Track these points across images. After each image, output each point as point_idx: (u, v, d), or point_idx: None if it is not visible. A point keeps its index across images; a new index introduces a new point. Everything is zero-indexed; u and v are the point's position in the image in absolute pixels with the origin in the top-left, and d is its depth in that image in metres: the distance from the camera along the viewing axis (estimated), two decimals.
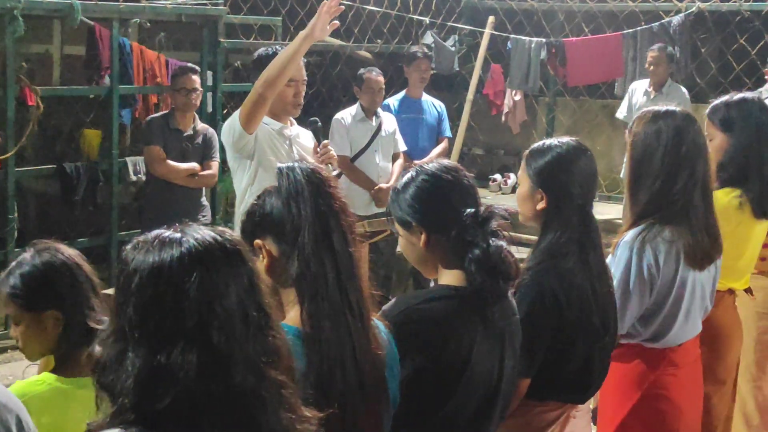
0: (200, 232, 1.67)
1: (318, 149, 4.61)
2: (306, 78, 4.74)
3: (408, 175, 2.60)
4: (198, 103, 6.52)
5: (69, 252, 2.55)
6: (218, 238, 1.68)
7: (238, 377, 1.61)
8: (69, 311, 2.50)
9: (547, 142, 3.04)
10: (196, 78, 6.46)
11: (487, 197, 9.46)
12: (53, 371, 2.51)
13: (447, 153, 7.87)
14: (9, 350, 6.51)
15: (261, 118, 4.43)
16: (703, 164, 3.31)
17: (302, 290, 2.14)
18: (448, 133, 7.90)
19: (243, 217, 2.30)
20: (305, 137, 4.81)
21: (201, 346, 1.59)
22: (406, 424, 2.35)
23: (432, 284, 2.70)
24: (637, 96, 8.19)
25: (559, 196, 2.94)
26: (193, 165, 6.41)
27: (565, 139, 3.04)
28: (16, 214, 6.61)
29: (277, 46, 4.76)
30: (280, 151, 4.55)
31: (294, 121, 4.81)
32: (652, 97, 7.93)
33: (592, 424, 3.29)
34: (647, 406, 3.32)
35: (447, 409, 2.44)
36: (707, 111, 3.92)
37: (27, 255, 2.58)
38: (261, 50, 4.74)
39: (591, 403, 3.22)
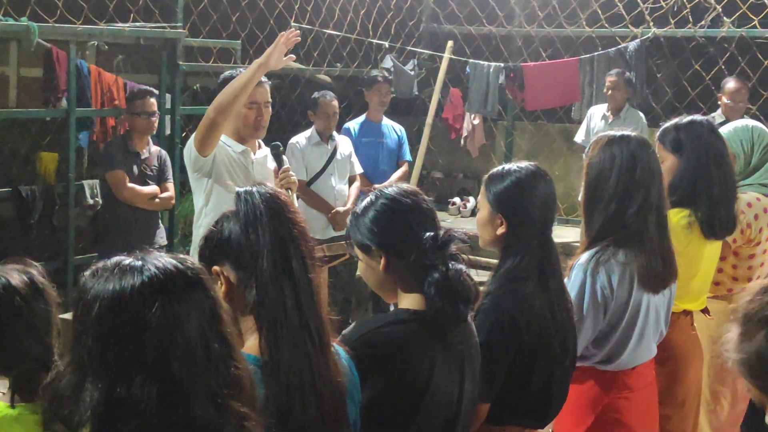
0: (161, 260, 1.65)
1: (278, 174, 4.59)
2: (270, 100, 4.73)
3: (368, 199, 2.60)
4: (156, 126, 6.49)
5: (16, 278, 2.37)
6: (180, 266, 1.65)
7: (199, 410, 1.58)
8: (2, 354, 2.34)
9: (507, 166, 3.05)
10: (154, 101, 6.44)
11: (447, 220, 9.46)
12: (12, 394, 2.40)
13: (407, 176, 7.89)
14: None
15: (215, 141, 4.41)
16: (657, 189, 3.35)
17: (261, 318, 2.12)
18: (408, 156, 7.93)
19: (201, 242, 2.28)
20: (267, 161, 4.80)
21: (161, 377, 1.56)
22: None
23: (392, 308, 2.70)
24: (595, 120, 8.26)
25: (519, 221, 2.96)
26: (154, 188, 6.39)
27: (524, 163, 3.05)
28: None
29: (241, 69, 4.73)
30: (238, 174, 4.53)
31: (262, 144, 4.79)
32: (609, 121, 8.01)
33: None
34: (601, 429, 3.34)
35: None
36: (658, 134, 3.97)
37: None
38: (227, 73, 4.72)
39: (549, 427, 3.22)
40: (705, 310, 4.06)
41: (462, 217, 10.02)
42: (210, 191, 4.52)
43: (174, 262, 1.65)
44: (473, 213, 10.63)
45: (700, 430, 4.30)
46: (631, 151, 3.32)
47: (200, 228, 4.54)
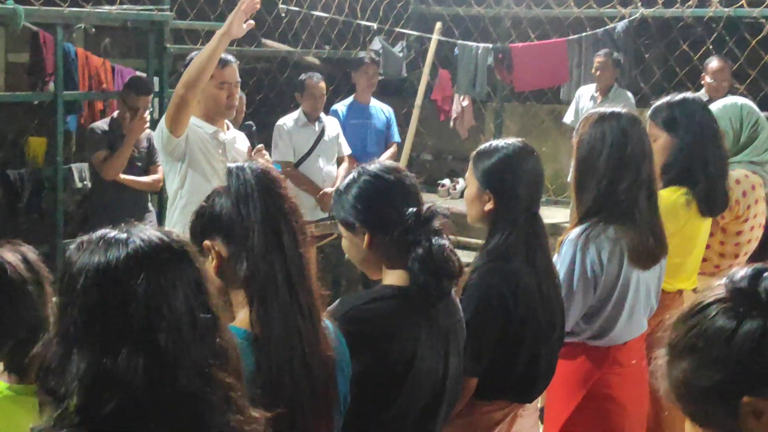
0: (146, 233, 1.65)
1: (253, 153, 4.57)
2: (239, 80, 4.70)
3: (350, 176, 2.61)
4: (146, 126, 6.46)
5: (9, 255, 2.41)
6: (165, 238, 1.66)
7: (185, 380, 1.59)
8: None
9: (494, 143, 3.06)
10: (149, 99, 6.44)
11: (437, 202, 9.45)
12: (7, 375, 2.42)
13: (396, 158, 7.89)
14: None
15: (186, 120, 4.36)
16: (648, 165, 3.35)
17: (251, 292, 2.13)
18: (396, 138, 7.93)
19: (192, 217, 2.28)
20: (241, 141, 4.78)
21: (147, 348, 1.57)
22: (353, 425, 2.35)
23: None
24: (584, 101, 8.26)
25: (506, 197, 2.97)
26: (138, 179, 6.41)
27: (512, 140, 3.06)
28: None
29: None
30: (212, 155, 4.50)
31: (230, 125, 4.76)
32: (598, 101, 8.01)
33: (539, 422, 3.31)
34: (592, 405, 3.36)
35: (393, 409, 2.45)
36: (649, 112, 3.97)
37: None
38: (193, 54, 4.69)
39: (539, 402, 3.24)
40: (695, 290, 4.08)
41: (452, 198, 10.03)
42: (185, 174, 4.47)
43: (159, 234, 1.66)
44: (462, 194, 10.63)
45: None
46: (622, 128, 3.32)
47: (175, 211, 4.51)
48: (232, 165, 2.22)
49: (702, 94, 7.49)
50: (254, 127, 4.74)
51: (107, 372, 1.55)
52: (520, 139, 3.10)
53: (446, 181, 10.31)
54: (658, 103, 3.99)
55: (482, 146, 3.09)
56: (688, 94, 3.99)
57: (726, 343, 1.45)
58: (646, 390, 3.53)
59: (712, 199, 3.81)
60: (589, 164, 3.35)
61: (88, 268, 1.60)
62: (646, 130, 3.58)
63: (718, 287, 1.53)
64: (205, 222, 2.23)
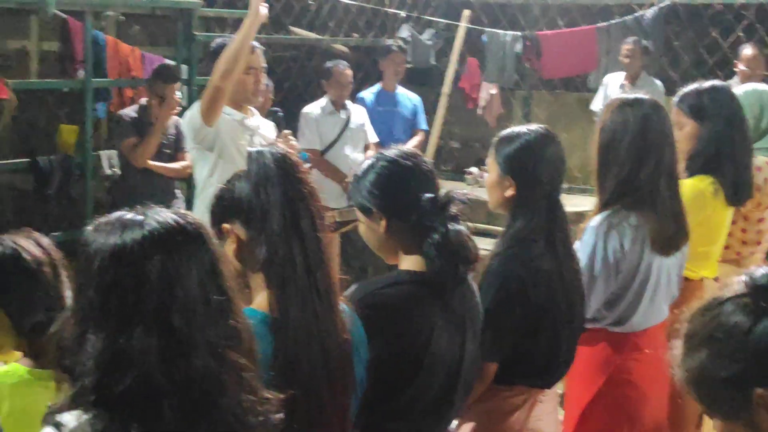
0: (162, 215, 1.67)
1: (279, 140, 4.60)
2: (266, 65, 4.73)
3: (368, 162, 2.62)
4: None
5: (23, 241, 2.47)
6: (180, 220, 1.68)
7: (198, 360, 1.61)
8: (12, 307, 2.44)
9: (516, 129, 3.06)
10: (176, 86, 6.48)
11: (464, 190, 9.42)
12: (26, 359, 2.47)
13: (423, 146, 7.89)
14: None
15: (221, 109, 4.40)
16: (670, 152, 3.34)
17: (270, 275, 2.15)
18: (423, 125, 7.92)
19: (212, 201, 2.30)
20: (266, 128, 4.80)
21: (161, 329, 1.59)
22: (369, 408, 2.36)
23: None
24: (612, 88, 8.20)
25: (527, 183, 2.97)
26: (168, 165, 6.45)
27: (534, 126, 3.06)
28: None
29: (233, 36, 4.75)
30: (240, 141, 4.53)
31: (255, 111, 4.80)
32: (626, 89, 7.94)
33: (559, 408, 3.31)
34: (612, 390, 3.35)
35: (408, 393, 2.46)
36: (676, 99, 3.93)
37: None
38: (217, 41, 4.73)
39: (559, 388, 3.24)
40: (716, 278, 4.06)
41: (480, 186, 9.98)
42: (215, 162, 4.50)
43: (175, 216, 1.68)
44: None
45: None
46: (644, 114, 3.30)
47: (206, 199, 4.55)
48: (252, 149, 2.24)
49: (735, 82, 7.42)
50: (281, 113, 4.75)
51: (121, 351, 1.57)
52: (542, 125, 3.09)
53: (473, 169, 10.24)
54: (686, 90, 3.95)
55: (504, 132, 3.09)
56: (717, 82, 3.95)
57: (744, 337, 1.50)
58: (667, 376, 3.49)
59: (738, 188, 3.78)
60: (610, 151, 3.33)
61: (104, 249, 1.62)
62: (672, 117, 3.55)
63: (737, 283, 1.56)
64: (224, 205, 2.25)
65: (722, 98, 3.84)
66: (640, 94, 3.42)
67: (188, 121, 4.52)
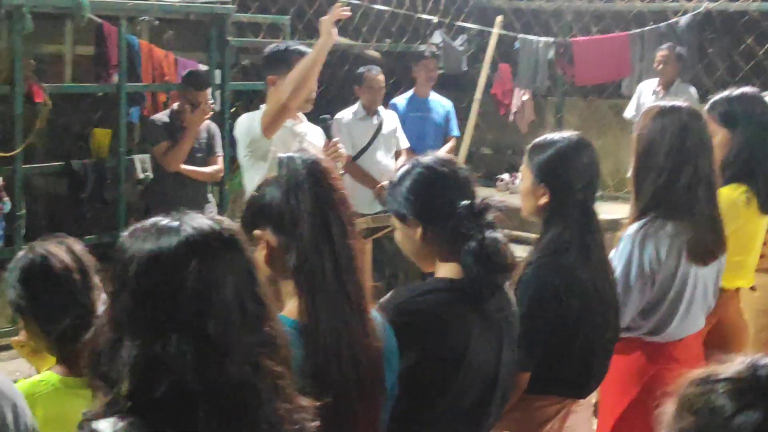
0: (198, 221, 1.67)
1: (328, 147, 4.60)
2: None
3: (404, 168, 2.61)
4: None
5: (53, 247, 2.48)
6: (216, 226, 1.67)
7: (234, 368, 1.60)
8: (40, 313, 2.45)
9: (550, 136, 3.04)
10: (207, 93, 6.51)
11: (495, 196, 9.39)
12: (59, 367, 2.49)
13: (455, 152, 7.87)
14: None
15: (282, 125, 4.44)
16: (708, 160, 3.30)
17: (300, 282, 2.14)
18: (455, 132, 7.90)
19: (243, 207, 2.30)
20: (315, 134, 4.81)
21: (197, 336, 1.58)
22: (404, 417, 2.35)
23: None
24: (645, 96, 8.16)
25: (561, 191, 2.94)
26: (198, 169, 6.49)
27: (568, 133, 3.04)
28: (23, 212, 6.62)
29: (289, 42, 4.77)
30: (290, 148, 4.53)
31: (303, 118, 4.81)
32: (660, 96, 7.89)
33: (593, 418, 3.28)
34: (647, 401, 3.31)
35: (445, 402, 2.44)
36: (707, 106, 3.90)
37: (19, 255, 2.55)
38: (272, 47, 4.73)
39: (593, 398, 3.22)
40: (753, 287, 4.02)
41: (510, 193, 9.95)
42: (267, 171, 4.49)
43: (210, 222, 1.67)
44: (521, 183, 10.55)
45: None
46: (682, 122, 3.27)
47: None
48: (283, 155, 2.23)
49: None
50: (330, 120, 4.76)
51: (157, 358, 1.56)
52: (576, 132, 3.07)
53: (505, 176, 10.23)
54: (716, 98, 3.93)
55: (538, 139, 3.07)
56: (747, 89, 3.92)
57: (724, 422, 1.47)
58: None
59: None
60: (648, 158, 3.30)
61: (140, 255, 1.61)
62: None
63: (741, 363, 1.54)
64: (255, 212, 2.24)
65: (753, 105, 3.82)
66: (678, 102, 3.39)
67: (246, 130, 4.50)
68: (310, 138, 4.73)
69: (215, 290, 1.61)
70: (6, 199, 6.48)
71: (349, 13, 4.52)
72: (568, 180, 2.94)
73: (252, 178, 4.58)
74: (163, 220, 1.67)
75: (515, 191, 9.98)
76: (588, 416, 3.16)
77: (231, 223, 1.72)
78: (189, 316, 1.59)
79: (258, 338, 1.65)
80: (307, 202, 2.14)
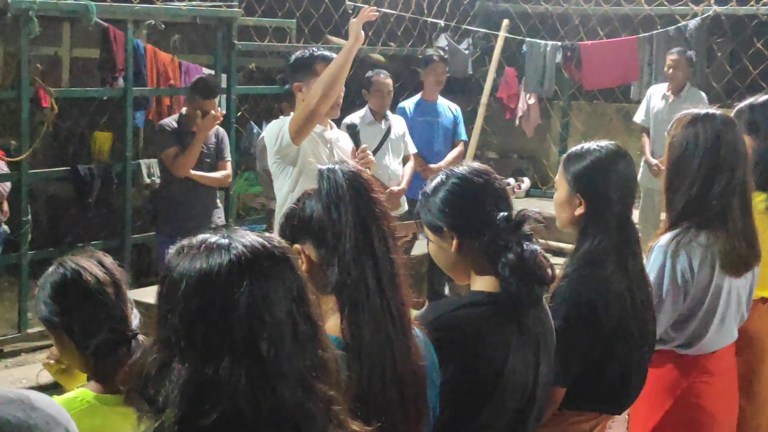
0: (248, 238, 1.60)
1: (357, 153, 4.55)
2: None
3: (438, 179, 2.53)
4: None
5: (84, 262, 2.42)
6: (267, 244, 1.60)
7: (287, 392, 1.53)
8: (75, 329, 2.39)
9: (586, 145, 2.97)
10: (215, 101, 6.46)
11: (532, 207, 9.34)
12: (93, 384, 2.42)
13: (462, 156, 7.82)
14: (23, 353, 6.48)
15: (312, 129, 4.40)
16: (742, 170, 3.25)
17: (342, 298, 2.07)
18: (463, 136, 7.85)
19: (282, 220, 2.23)
20: (344, 141, 4.76)
21: (249, 358, 1.51)
22: None
23: (446, 289, 2.63)
24: (655, 100, 8.10)
25: (598, 202, 2.88)
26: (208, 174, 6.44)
27: (604, 143, 2.97)
28: (29, 216, 6.55)
29: (313, 49, 4.72)
30: (321, 156, 4.49)
31: (333, 124, 4.76)
32: (670, 101, 7.85)
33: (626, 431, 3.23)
34: (680, 414, 3.27)
35: (482, 417, 2.38)
36: (732, 114, 3.85)
37: (49, 270, 2.49)
38: (296, 54, 4.71)
39: (627, 413, 3.15)
40: None
41: (516, 198, 9.92)
42: (297, 176, 4.45)
43: (261, 240, 1.60)
44: (527, 194, 10.53)
45: None
46: (716, 130, 3.22)
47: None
48: (323, 167, 2.16)
49: None
50: (358, 128, 4.72)
51: (209, 382, 1.50)
52: (612, 141, 3.01)
53: (511, 180, 10.20)
54: (741, 105, 3.89)
55: (574, 149, 3.01)
56: None
57: None
58: (736, 400, 3.43)
59: None
60: (681, 167, 3.25)
61: (190, 274, 1.54)
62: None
63: None
64: (295, 225, 2.18)
65: None
66: (712, 110, 3.33)
67: (274, 136, 4.46)
68: (341, 144, 4.68)
69: (267, 310, 1.54)
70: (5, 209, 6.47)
71: (377, 14, 4.47)
72: (605, 190, 2.87)
73: (281, 185, 4.55)
74: (212, 238, 1.60)
75: (520, 196, 9.96)
76: (622, 430, 3.10)
77: (281, 241, 1.65)
78: (241, 338, 1.52)
79: (310, 361, 1.58)
80: (348, 215, 2.08)
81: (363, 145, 4.56)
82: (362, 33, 4.39)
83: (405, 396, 2.08)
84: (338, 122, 7.10)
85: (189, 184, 6.34)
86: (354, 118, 7.04)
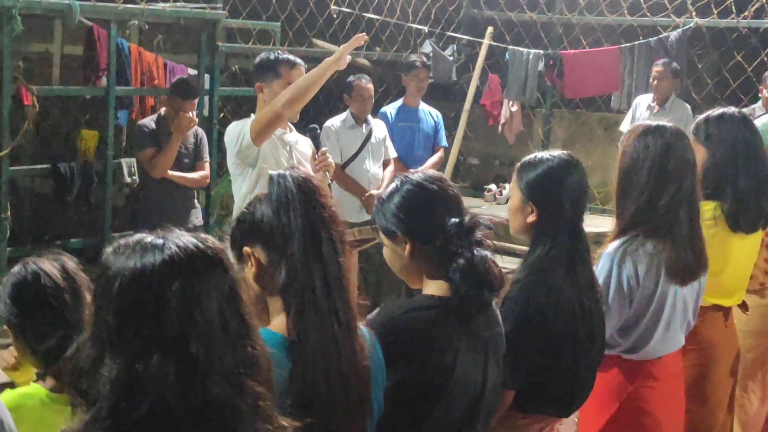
0: (182, 239, 1.65)
1: (316, 156, 4.61)
2: None
3: (393, 185, 2.60)
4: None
5: (46, 264, 2.48)
6: (200, 245, 1.65)
7: (216, 388, 1.59)
8: (27, 331, 2.45)
9: (539, 155, 3.04)
10: (195, 102, 6.50)
11: (482, 207, 9.43)
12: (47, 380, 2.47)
13: (443, 162, 7.88)
14: None
15: (273, 133, 4.44)
16: (691, 180, 3.33)
17: (289, 299, 2.12)
18: (444, 142, 7.91)
19: (233, 224, 2.29)
20: (303, 144, 4.81)
21: (179, 355, 1.57)
22: None
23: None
24: (641, 110, 8.16)
25: (550, 210, 2.94)
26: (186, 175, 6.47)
27: (557, 152, 3.04)
28: (8, 213, 6.59)
29: (279, 51, 4.77)
30: (280, 158, 4.54)
31: (293, 127, 4.81)
32: (655, 111, 7.91)
33: None
34: (625, 418, 3.34)
35: (430, 419, 2.44)
36: (692, 127, 3.93)
37: (14, 269, 2.53)
38: (262, 54, 4.75)
39: (575, 415, 3.22)
40: (743, 306, 4.03)
41: (497, 204, 9.97)
42: (256, 178, 4.51)
43: (195, 241, 1.66)
44: (508, 201, 10.57)
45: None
46: (666, 142, 3.30)
47: None
48: (274, 172, 2.22)
49: (759, 107, 7.37)
50: (319, 131, 4.78)
51: (139, 377, 1.55)
52: (565, 151, 3.07)
53: (492, 186, 10.24)
54: (699, 117, 3.97)
55: (527, 157, 3.08)
56: (729, 109, 3.95)
57: None
58: (682, 405, 3.50)
59: (741, 214, 3.76)
60: (630, 177, 3.33)
61: (123, 273, 1.60)
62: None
63: None
64: (245, 229, 2.23)
65: (728, 125, 3.85)
66: (663, 122, 3.41)
67: (235, 135, 4.51)
68: (300, 147, 4.73)
69: (198, 309, 1.60)
70: None
71: (367, 39, 4.56)
72: (557, 199, 2.94)
73: (240, 186, 4.59)
74: (148, 237, 1.65)
75: (501, 202, 10.01)
76: None
77: (216, 242, 1.70)
78: (171, 336, 1.57)
79: (240, 358, 1.64)
80: (297, 219, 2.13)
81: (323, 148, 4.62)
82: (347, 58, 4.44)
83: (349, 394, 2.13)
84: (321, 125, 7.18)
85: (166, 185, 6.38)
86: (335, 121, 7.12)
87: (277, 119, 4.35)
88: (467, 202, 9.07)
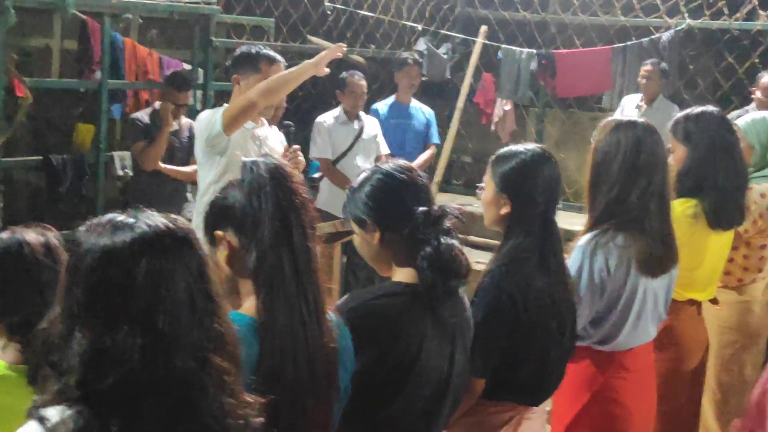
0: (153, 219, 1.72)
1: (288, 153, 4.65)
2: None
3: (364, 174, 2.67)
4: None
5: (31, 236, 2.49)
6: (170, 225, 1.72)
7: (181, 362, 1.65)
8: (1, 302, 2.47)
9: (513, 148, 3.10)
10: (189, 94, 6.53)
11: (474, 205, 9.47)
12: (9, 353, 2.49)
13: (434, 159, 7.93)
14: None
15: (244, 123, 4.48)
16: (661, 175, 3.38)
17: (259, 281, 2.18)
18: (435, 139, 7.96)
19: (206, 208, 2.35)
20: (274, 139, 4.86)
21: (146, 330, 1.63)
22: (357, 417, 2.40)
23: None
24: (628, 110, 8.20)
25: (523, 202, 3.00)
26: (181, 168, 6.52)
27: (531, 145, 3.10)
28: (1, 204, 6.63)
29: (260, 46, 4.81)
30: (248, 151, 4.58)
31: (265, 122, 4.85)
32: (642, 111, 7.96)
33: (546, 425, 3.34)
34: (596, 408, 3.38)
35: (396, 405, 2.49)
36: (669, 124, 3.98)
37: (1, 235, 2.53)
38: (243, 48, 4.80)
39: (546, 405, 3.27)
40: (714, 300, 4.08)
41: None
42: (223, 168, 4.54)
43: (165, 220, 1.72)
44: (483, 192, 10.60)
45: (705, 419, 4.32)
46: (637, 137, 3.36)
47: (205, 203, 4.59)
48: (247, 159, 2.28)
49: (752, 108, 7.40)
50: (293, 127, 4.82)
51: (106, 350, 1.61)
52: (539, 144, 3.13)
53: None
54: (678, 115, 4.02)
55: (501, 150, 3.13)
56: (708, 108, 4.00)
57: None
58: (653, 395, 3.55)
59: (721, 212, 3.82)
60: (601, 171, 3.38)
61: (94, 250, 1.66)
62: (668, 141, 3.60)
63: None
64: (217, 213, 2.29)
65: (707, 124, 3.89)
66: (634, 117, 3.47)
67: (206, 124, 4.55)
68: (270, 143, 4.77)
69: (166, 286, 1.66)
70: None
71: (344, 51, 4.65)
72: (530, 191, 2.99)
73: (207, 174, 4.63)
74: (119, 217, 1.72)
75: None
76: (542, 423, 3.22)
77: (185, 222, 1.77)
78: (139, 311, 1.63)
79: (206, 334, 1.70)
80: (268, 205, 2.19)
81: (295, 146, 4.67)
82: (325, 69, 4.49)
83: (315, 375, 2.18)
84: (311, 122, 7.23)
85: (159, 177, 6.42)
86: (327, 117, 7.18)
87: (250, 108, 4.38)
88: (460, 200, 9.14)
